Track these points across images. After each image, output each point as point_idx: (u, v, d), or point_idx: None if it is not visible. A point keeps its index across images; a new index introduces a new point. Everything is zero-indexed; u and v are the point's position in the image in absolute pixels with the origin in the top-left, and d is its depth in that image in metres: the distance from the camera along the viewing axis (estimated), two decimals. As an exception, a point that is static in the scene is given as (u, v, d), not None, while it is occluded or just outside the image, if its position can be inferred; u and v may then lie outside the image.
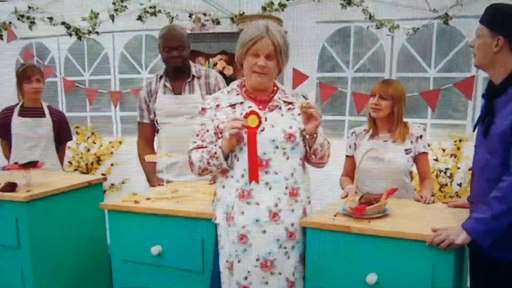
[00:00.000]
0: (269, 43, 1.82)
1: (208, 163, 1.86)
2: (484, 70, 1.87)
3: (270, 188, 1.84)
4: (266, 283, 1.86)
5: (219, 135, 1.87)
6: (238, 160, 1.86)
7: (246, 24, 3.70)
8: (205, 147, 1.89)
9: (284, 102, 1.93)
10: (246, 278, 1.86)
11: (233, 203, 1.87)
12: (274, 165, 1.84)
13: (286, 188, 1.86)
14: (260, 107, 1.91)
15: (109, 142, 4.35)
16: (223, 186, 1.91)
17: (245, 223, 1.85)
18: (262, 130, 1.83)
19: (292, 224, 1.87)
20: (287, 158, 1.86)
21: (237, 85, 1.98)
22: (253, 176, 1.81)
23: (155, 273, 2.17)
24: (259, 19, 3.57)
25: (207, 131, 1.91)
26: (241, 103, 1.92)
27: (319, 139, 1.87)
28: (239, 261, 1.87)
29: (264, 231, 1.85)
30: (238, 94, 1.94)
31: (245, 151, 1.83)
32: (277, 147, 1.85)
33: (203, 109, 1.96)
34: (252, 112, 1.81)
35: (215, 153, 1.84)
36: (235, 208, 1.86)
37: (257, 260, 1.85)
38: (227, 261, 1.89)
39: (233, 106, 1.92)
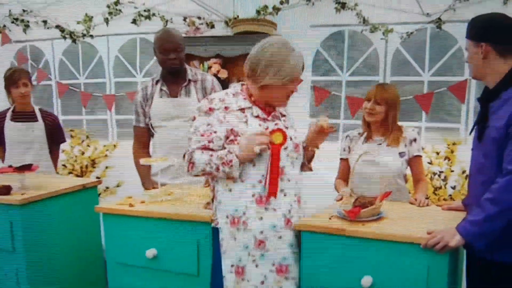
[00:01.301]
0: (301, 70, 1.90)
1: (218, 169, 1.83)
2: (481, 80, 1.90)
3: (285, 195, 1.88)
4: (281, 287, 1.89)
5: (232, 139, 1.85)
6: (254, 165, 1.85)
7: (240, 28, 3.71)
8: (211, 149, 1.86)
9: (281, 114, 1.98)
10: (262, 282, 1.88)
11: (245, 207, 1.85)
12: (287, 172, 1.88)
13: (295, 195, 1.92)
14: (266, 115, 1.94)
15: (103, 146, 4.34)
16: (230, 190, 1.88)
17: (262, 228, 1.86)
18: (286, 148, 1.88)
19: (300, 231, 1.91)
20: (294, 166, 1.92)
21: (240, 90, 1.96)
22: (273, 192, 1.84)
23: (150, 276, 2.16)
24: (256, 24, 3.61)
25: (215, 132, 1.86)
26: (250, 108, 1.91)
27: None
28: (256, 266, 1.87)
29: (280, 237, 1.87)
30: (245, 99, 1.93)
31: (264, 158, 1.84)
32: (287, 155, 1.89)
33: (211, 109, 1.89)
34: (278, 130, 1.86)
35: (231, 161, 1.81)
36: (250, 213, 1.85)
37: (273, 265, 1.88)
38: (232, 265, 1.89)
39: (242, 110, 1.90)
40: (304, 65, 1.91)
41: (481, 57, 1.78)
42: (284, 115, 2.00)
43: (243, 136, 1.83)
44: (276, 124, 1.91)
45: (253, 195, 1.84)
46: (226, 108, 1.89)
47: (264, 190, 1.84)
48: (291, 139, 1.90)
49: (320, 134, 1.91)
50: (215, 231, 1.93)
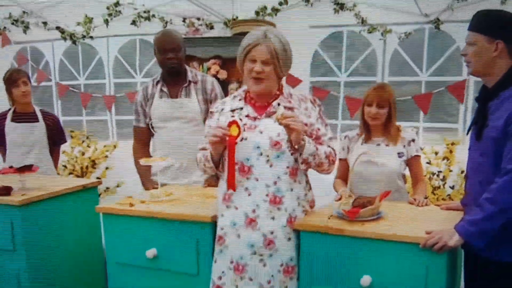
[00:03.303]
0: (265, 49, 1.84)
1: (204, 165, 1.97)
2: (480, 76, 1.86)
3: (249, 194, 1.87)
4: (236, 286, 1.89)
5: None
6: (224, 165, 1.92)
7: (240, 29, 3.73)
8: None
9: (285, 107, 1.90)
10: (220, 278, 1.92)
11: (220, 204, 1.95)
12: (255, 171, 1.86)
13: (267, 195, 1.86)
14: (256, 113, 1.93)
15: (104, 146, 4.35)
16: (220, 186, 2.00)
17: (222, 225, 1.92)
18: (242, 140, 1.85)
19: (272, 232, 1.87)
20: (271, 166, 1.86)
21: (243, 91, 2.01)
22: (230, 184, 1.87)
23: (150, 276, 2.17)
24: (255, 25, 3.61)
25: None
26: (241, 108, 1.95)
27: (309, 148, 1.85)
28: (215, 261, 1.94)
29: (239, 236, 1.88)
30: (240, 100, 1.97)
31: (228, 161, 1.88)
32: (261, 154, 1.86)
33: (212, 113, 2.03)
34: (233, 122, 1.85)
35: (207, 156, 1.93)
36: (219, 209, 1.95)
37: (231, 262, 1.90)
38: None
39: (233, 110, 1.95)
40: (268, 38, 1.85)
41: (493, 54, 1.75)
42: (291, 108, 1.91)
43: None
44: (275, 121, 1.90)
45: (222, 194, 1.93)
46: (222, 110, 1.99)
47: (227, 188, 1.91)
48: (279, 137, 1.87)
49: (290, 129, 1.81)
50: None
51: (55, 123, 3.35)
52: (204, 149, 1.98)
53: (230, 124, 1.85)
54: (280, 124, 1.80)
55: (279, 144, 1.86)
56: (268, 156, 1.86)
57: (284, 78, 2.00)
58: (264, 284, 1.87)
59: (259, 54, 1.85)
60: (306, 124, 1.89)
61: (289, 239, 1.89)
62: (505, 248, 1.73)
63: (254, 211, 1.87)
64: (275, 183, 1.87)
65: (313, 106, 1.97)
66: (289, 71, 1.98)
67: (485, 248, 1.70)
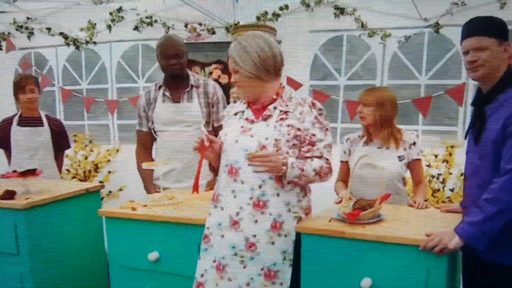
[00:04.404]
0: (230, 59, 1.91)
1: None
2: (485, 81, 1.83)
3: (235, 196, 1.88)
4: (217, 284, 1.90)
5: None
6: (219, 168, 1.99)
7: (241, 34, 3.75)
8: None
9: (281, 111, 1.92)
10: (202, 275, 1.94)
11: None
12: (242, 174, 1.87)
13: (251, 198, 1.86)
14: (254, 117, 1.96)
15: (106, 150, 4.37)
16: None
17: (209, 224, 1.95)
18: (246, 150, 1.86)
19: (254, 235, 1.85)
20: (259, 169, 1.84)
21: None
22: (194, 187, 2.03)
23: (152, 279, 2.18)
24: (256, 30, 3.64)
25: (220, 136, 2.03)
26: (242, 112, 1.99)
27: (292, 172, 1.81)
28: (199, 259, 1.97)
29: (223, 236, 1.90)
30: (245, 103, 2.01)
31: (222, 162, 1.96)
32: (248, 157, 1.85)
33: (222, 116, 2.19)
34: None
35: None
36: (209, 209, 1.99)
37: (214, 261, 1.92)
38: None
39: (236, 114, 2.01)
40: (231, 48, 1.91)
41: (505, 57, 1.76)
42: (286, 112, 1.91)
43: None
44: (267, 125, 1.91)
45: (214, 192, 1.99)
46: (228, 113, 2.07)
47: (217, 189, 1.96)
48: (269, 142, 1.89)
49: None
50: None
51: (60, 128, 3.38)
52: None
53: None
54: (250, 165, 1.82)
55: (265, 148, 1.85)
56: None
57: (284, 81, 2.01)
58: (242, 285, 1.86)
59: (230, 65, 1.92)
60: (299, 129, 1.88)
61: (273, 243, 1.86)
62: (507, 250, 1.73)
63: (238, 213, 1.87)
64: (260, 186, 1.86)
65: (310, 110, 1.92)
66: (276, 71, 1.93)
67: (486, 250, 1.69)
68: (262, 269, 1.86)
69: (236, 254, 1.88)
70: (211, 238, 1.93)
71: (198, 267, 1.97)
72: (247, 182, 1.87)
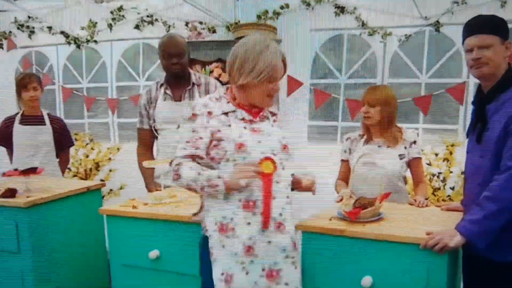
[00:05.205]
0: (282, 68, 1.82)
1: (202, 188, 1.76)
2: (488, 79, 1.83)
3: (274, 198, 1.78)
4: None
5: (215, 144, 1.80)
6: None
7: (241, 33, 3.75)
8: (198, 155, 1.80)
9: (271, 113, 1.91)
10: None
11: (232, 213, 1.78)
12: (275, 174, 1.78)
13: (288, 197, 1.82)
14: (252, 117, 1.86)
15: (107, 149, 4.37)
16: (217, 197, 1.80)
17: (251, 234, 1.78)
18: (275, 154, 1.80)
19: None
20: (283, 168, 1.81)
21: (224, 93, 1.89)
22: (266, 222, 1.77)
23: (153, 277, 2.18)
24: (257, 28, 3.64)
25: (201, 138, 1.80)
26: (234, 111, 1.84)
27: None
28: (247, 273, 1.78)
29: (269, 242, 1.78)
30: (228, 102, 1.86)
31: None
32: (275, 156, 1.80)
33: (194, 115, 1.82)
34: (267, 158, 1.76)
35: (216, 185, 1.73)
36: (238, 218, 1.78)
37: (263, 270, 1.79)
38: (222, 273, 1.79)
39: (226, 114, 1.84)
40: (285, 62, 1.82)
41: (507, 54, 1.77)
42: (275, 114, 1.92)
43: (236, 166, 1.75)
44: (272, 125, 1.88)
45: (239, 200, 1.77)
46: (209, 113, 1.82)
47: (251, 195, 1.76)
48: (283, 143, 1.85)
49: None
50: (207, 239, 1.85)
51: (62, 127, 3.39)
52: (193, 155, 1.80)
53: (262, 161, 1.74)
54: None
55: (287, 147, 1.84)
56: (281, 159, 1.82)
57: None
58: (298, 286, 1.83)
59: (279, 75, 1.84)
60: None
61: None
62: (507, 247, 1.73)
63: (281, 214, 1.80)
64: (289, 184, 1.84)
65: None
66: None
67: (486, 247, 1.70)
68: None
69: (287, 257, 1.81)
70: (256, 248, 1.78)
71: (244, 283, 1.78)
72: (281, 181, 1.80)
